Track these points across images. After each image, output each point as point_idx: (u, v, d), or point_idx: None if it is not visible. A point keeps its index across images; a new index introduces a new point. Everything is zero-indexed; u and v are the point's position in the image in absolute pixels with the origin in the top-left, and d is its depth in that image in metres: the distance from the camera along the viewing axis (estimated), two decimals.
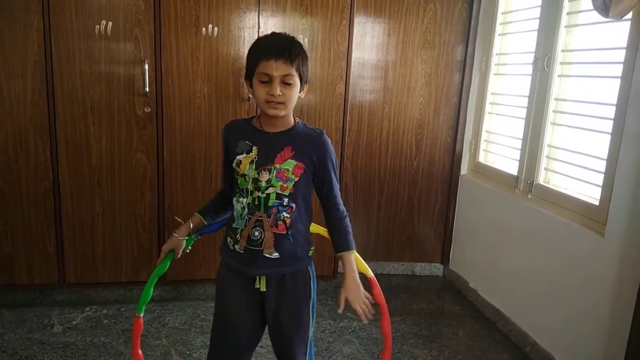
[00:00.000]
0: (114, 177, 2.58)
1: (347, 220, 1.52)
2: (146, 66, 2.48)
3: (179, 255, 1.57)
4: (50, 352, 2.28)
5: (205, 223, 1.59)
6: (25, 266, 2.58)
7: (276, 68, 1.36)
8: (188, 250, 1.60)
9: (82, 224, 2.59)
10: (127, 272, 2.69)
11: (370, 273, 1.62)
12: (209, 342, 2.36)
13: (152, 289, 1.56)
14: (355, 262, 1.52)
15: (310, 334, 1.57)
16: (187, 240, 1.57)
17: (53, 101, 2.44)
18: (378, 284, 1.61)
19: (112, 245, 2.65)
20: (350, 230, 1.51)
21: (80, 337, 2.40)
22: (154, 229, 2.67)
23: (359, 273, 1.49)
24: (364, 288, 1.48)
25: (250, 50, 1.44)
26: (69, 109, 2.47)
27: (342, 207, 1.53)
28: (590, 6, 2.03)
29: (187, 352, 2.33)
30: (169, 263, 1.57)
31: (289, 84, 1.39)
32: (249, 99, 2.62)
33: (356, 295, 1.45)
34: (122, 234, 2.65)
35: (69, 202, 2.56)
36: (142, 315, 1.57)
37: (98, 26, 2.42)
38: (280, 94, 1.38)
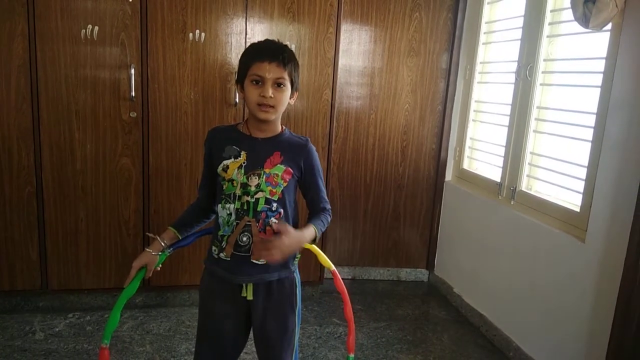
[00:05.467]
0: (98, 183, 2.56)
1: (328, 216, 1.53)
2: (132, 71, 2.47)
3: (151, 273, 1.48)
4: (31, 359, 2.24)
5: (180, 237, 1.53)
6: (7, 272, 2.54)
7: (269, 70, 1.38)
8: (159, 268, 1.50)
9: (65, 230, 2.57)
10: (111, 278, 2.66)
11: (332, 267, 1.67)
12: (193, 349, 2.35)
13: (119, 315, 1.42)
14: (318, 257, 1.59)
15: (296, 340, 1.57)
16: (159, 256, 1.49)
17: (37, 106, 2.42)
18: (339, 276, 1.68)
19: (96, 251, 2.62)
20: (325, 222, 1.51)
21: (63, 344, 2.37)
22: (139, 234, 2.65)
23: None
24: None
25: (243, 53, 1.46)
26: (53, 113, 2.44)
27: (328, 206, 1.54)
28: (572, 17, 2.08)
29: (172, 359, 2.31)
30: (138, 283, 1.45)
31: (281, 88, 1.41)
32: (235, 104, 2.62)
33: (288, 243, 1.35)
34: (106, 240, 2.63)
35: (52, 207, 2.53)
36: (108, 345, 1.40)
37: (84, 31, 2.40)
38: (272, 96, 1.39)
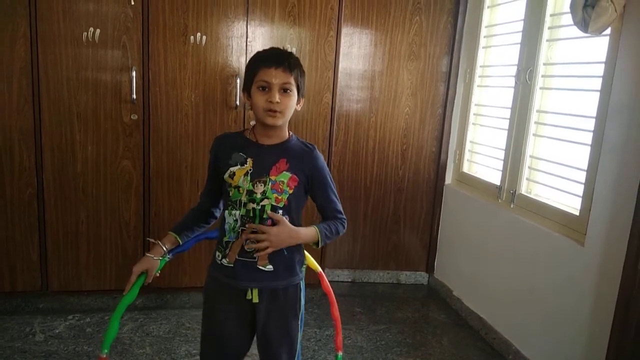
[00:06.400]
0: (99, 185, 2.57)
1: (341, 225, 1.51)
2: (133, 73, 2.48)
3: (151, 279, 1.47)
4: None
5: (181, 242, 1.53)
6: (7, 273, 2.54)
7: (275, 75, 1.39)
8: (158, 274, 1.49)
9: (66, 231, 2.57)
10: (111, 280, 2.67)
11: (319, 269, 1.69)
12: (193, 351, 2.37)
13: (118, 323, 1.43)
14: (306, 258, 1.59)
15: (298, 347, 1.57)
16: (160, 261, 1.48)
17: (39, 107, 2.43)
18: (326, 278, 1.73)
19: (97, 252, 2.63)
20: (334, 229, 1.49)
21: (63, 346, 2.37)
22: (139, 236, 2.65)
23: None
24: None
25: (249, 61, 1.47)
26: (54, 115, 2.45)
27: (340, 216, 1.52)
28: (571, 21, 2.09)
29: None
30: (137, 290, 1.45)
31: (287, 93, 1.41)
32: (236, 107, 2.63)
33: (277, 232, 1.41)
34: (107, 242, 2.63)
35: (53, 209, 2.53)
36: (107, 355, 1.41)
37: (86, 33, 2.42)
38: (279, 101, 1.39)
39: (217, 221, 1.56)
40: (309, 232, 1.45)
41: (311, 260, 1.65)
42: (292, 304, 1.52)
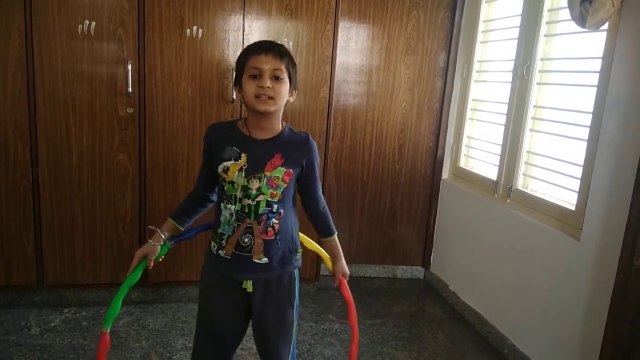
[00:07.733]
0: (94, 178, 2.56)
1: (327, 209, 1.62)
2: (129, 66, 2.46)
3: (152, 264, 1.52)
4: (27, 354, 2.24)
5: (181, 228, 1.57)
6: (2, 267, 2.53)
7: (266, 62, 1.38)
8: (161, 259, 1.55)
9: (61, 225, 2.56)
10: (107, 273, 2.66)
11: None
12: (189, 345, 2.36)
13: (120, 302, 1.46)
14: (326, 262, 1.66)
15: (294, 334, 1.58)
16: (161, 247, 1.53)
17: (34, 100, 2.41)
18: (345, 282, 1.68)
19: (92, 246, 2.62)
20: (330, 217, 1.62)
21: (59, 339, 2.37)
22: (135, 230, 2.65)
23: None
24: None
25: (240, 53, 1.47)
26: (49, 108, 2.44)
27: (324, 201, 1.61)
28: (569, 16, 2.08)
29: (168, 355, 2.32)
30: (140, 272, 1.50)
31: (279, 80, 1.41)
32: (232, 100, 2.62)
33: (345, 269, 1.65)
34: (103, 235, 2.62)
35: (48, 202, 2.52)
36: (108, 331, 1.45)
37: (81, 26, 2.40)
38: (270, 86, 1.38)
39: (213, 211, 1.57)
40: (337, 243, 1.63)
41: (328, 261, 1.65)
42: (286, 293, 1.53)
